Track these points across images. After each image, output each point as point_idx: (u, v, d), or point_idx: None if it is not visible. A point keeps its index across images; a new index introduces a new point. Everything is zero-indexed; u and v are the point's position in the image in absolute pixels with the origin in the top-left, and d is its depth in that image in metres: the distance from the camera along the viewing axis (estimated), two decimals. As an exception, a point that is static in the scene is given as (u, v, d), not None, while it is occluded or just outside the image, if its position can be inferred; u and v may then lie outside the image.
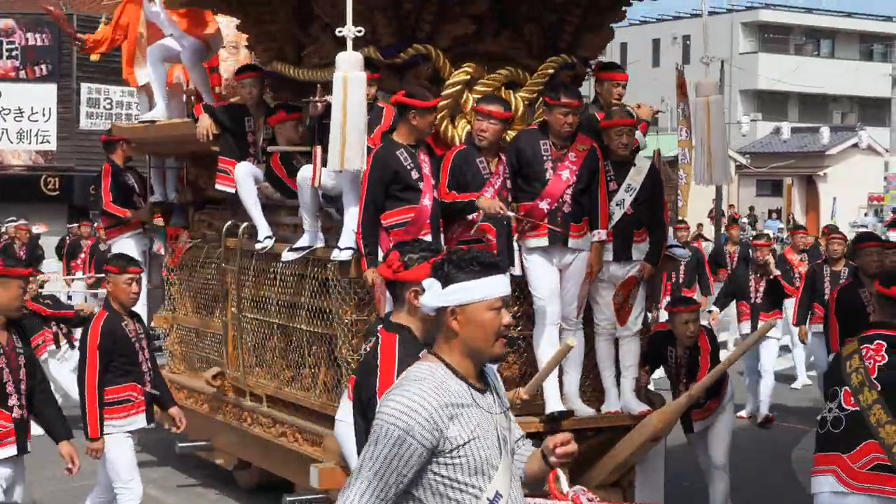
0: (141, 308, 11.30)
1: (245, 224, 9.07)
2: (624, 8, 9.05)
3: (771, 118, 57.42)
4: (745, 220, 40.70)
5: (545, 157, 7.76)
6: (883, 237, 36.90)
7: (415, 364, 3.97)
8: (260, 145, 9.26)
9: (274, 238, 8.80)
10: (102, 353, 7.55)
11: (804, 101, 61.16)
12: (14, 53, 28.28)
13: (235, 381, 9.38)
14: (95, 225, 18.15)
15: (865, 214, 44.65)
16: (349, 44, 7.04)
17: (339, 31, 7.05)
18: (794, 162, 51.22)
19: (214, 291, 9.95)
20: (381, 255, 7.31)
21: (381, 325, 5.10)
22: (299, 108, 9.06)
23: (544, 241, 7.73)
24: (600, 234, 7.89)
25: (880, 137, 52.46)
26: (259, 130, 9.28)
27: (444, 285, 3.91)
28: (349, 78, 6.97)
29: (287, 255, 8.34)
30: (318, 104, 7.90)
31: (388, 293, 6.84)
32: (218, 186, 9.26)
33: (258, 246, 8.82)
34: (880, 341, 6.10)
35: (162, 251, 11.14)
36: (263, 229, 8.85)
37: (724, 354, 9.18)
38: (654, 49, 57.08)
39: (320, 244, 8.17)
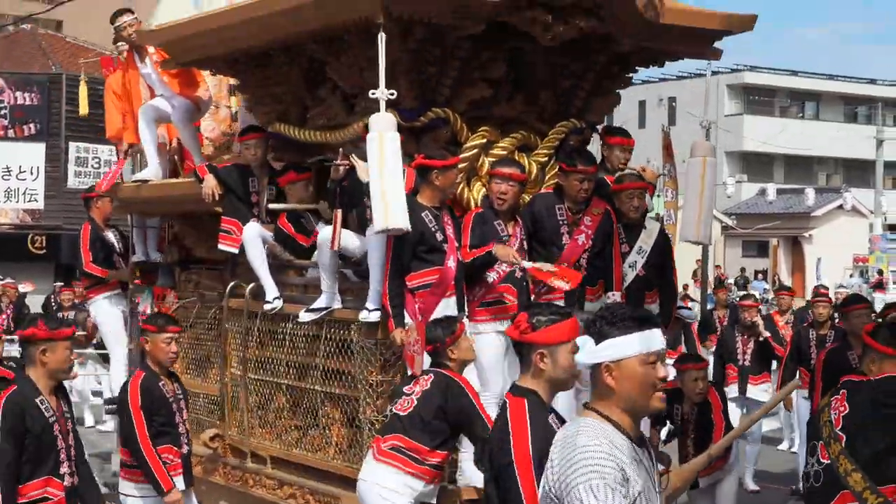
0: (122, 369, 11.35)
1: (252, 284, 9.09)
2: (630, 74, 9.22)
3: (756, 179, 57.69)
4: (731, 281, 40.75)
5: (561, 222, 7.95)
6: (869, 298, 37.03)
7: (577, 422, 3.99)
8: (264, 206, 9.30)
9: (282, 299, 8.83)
10: (144, 412, 7.52)
11: (789, 162, 61.48)
12: (3, 112, 28.31)
13: (235, 442, 9.35)
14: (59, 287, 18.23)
15: (851, 276, 44.77)
16: (382, 105, 7.17)
17: (373, 94, 7.19)
18: (779, 223, 51.48)
19: (207, 351, 9.94)
20: (406, 316, 7.42)
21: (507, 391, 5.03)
22: (308, 167, 9.17)
23: (560, 304, 7.79)
24: (615, 296, 8.05)
25: (865, 199, 52.70)
26: (263, 191, 9.32)
27: (598, 341, 3.95)
28: (385, 138, 7.09)
29: (304, 316, 8.36)
30: (340, 167, 8.01)
31: (421, 356, 7.06)
32: (221, 247, 9.24)
33: (267, 307, 8.84)
34: (844, 390, 6.20)
35: (148, 311, 11.11)
36: (271, 290, 8.87)
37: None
38: (641, 110, 57.43)
39: (337, 305, 8.22)
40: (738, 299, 17.46)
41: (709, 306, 24.54)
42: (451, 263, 7.50)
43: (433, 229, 7.56)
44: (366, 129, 7.47)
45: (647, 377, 3.92)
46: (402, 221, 7.10)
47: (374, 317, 7.68)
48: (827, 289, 17.92)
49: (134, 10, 11.06)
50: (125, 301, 11.48)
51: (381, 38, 7.20)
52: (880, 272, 43.38)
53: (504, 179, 7.76)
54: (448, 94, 8.14)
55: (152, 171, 10.72)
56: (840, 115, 63.52)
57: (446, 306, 7.44)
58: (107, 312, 11.57)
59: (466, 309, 7.62)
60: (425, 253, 7.53)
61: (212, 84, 10.92)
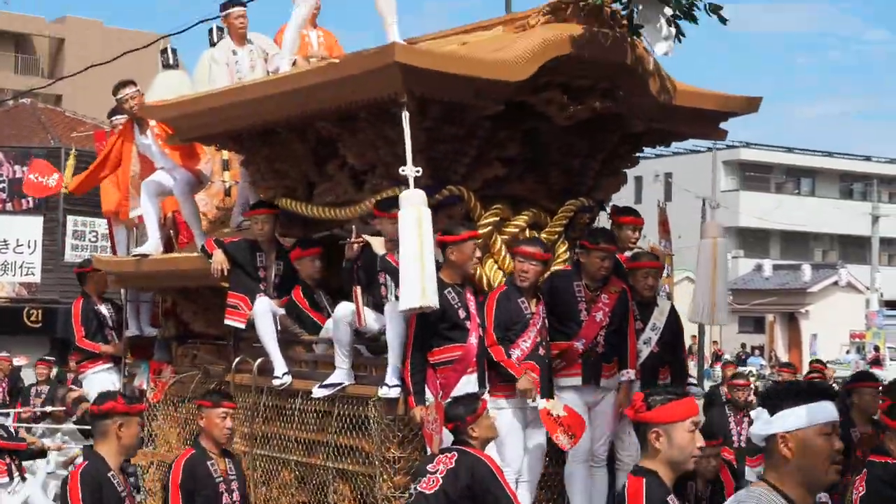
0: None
1: (259, 359, 9.05)
2: (637, 154, 9.31)
3: (753, 255, 57.78)
4: (728, 357, 40.65)
5: (579, 299, 8.10)
6: (867, 375, 36.69)
7: (748, 491, 3.99)
8: (272, 280, 9.28)
9: (291, 374, 8.80)
10: (184, 493, 7.41)
11: (786, 238, 61.59)
12: (1, 186, 28.35)
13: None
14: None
15: (847, 352, 44.71)
16: (411, 182, 7.24)
17: (403, 170, 7.28)
18: (776, 299, 51.48)
19: (204, 427, 9.85)
20: (427, 392, 7.48)
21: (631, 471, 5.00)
22: (316, 242, 9.16)
23: (577, 381, 8.03)
24: (629, 373, 8.18)
25: (861, 275, 52.79)
26: (270, 266, 9.32)
27: (773, 412, 3.93)
28: (422, 214, 7.16)
29: (318, 392, 8.34)
30: (354, 245, 8.01)
31: (440, 434, 7.06)
32: (227, 321, 9.24)
33: (276, 382, 8.81)
34: (865, 469, 6.18)
35: (144, 386, 11.02)
36: (280, 365, 8.85)
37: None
38: (637, 186, 57.59)
39: (351, 381, 8.20)
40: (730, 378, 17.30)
41: (709, 382, 24.37)
42: (472, 340, 7.58)
43: (456, 306, 7.64)
44: (377, 206, 7.45)
45: (823, 448, 3.90)
46: (434, 300, 7.17)
47: (394, 393, 7.68)
48: (822, 363, 17.77)
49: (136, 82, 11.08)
50: (118, 376, 11.38)
51: (405, 116, 7.30)
52: (877, 348, 43.31)
53: (527, 258, 7.86)
54: (464, 172, 8.22)
55: (153, 245, 10.70)
56: (836, 192, 63.76)
57: (467, 382, 7.51)
58: (99, 387, 11.42)
59: (488, 385, 7.66)
60: (447, 330, 7.60)
61: (205, 158, 10.94)
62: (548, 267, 8.16)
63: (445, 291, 7.57)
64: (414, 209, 7.17)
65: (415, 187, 7.34)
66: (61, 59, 54.06)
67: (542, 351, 7.82)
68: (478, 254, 7.77)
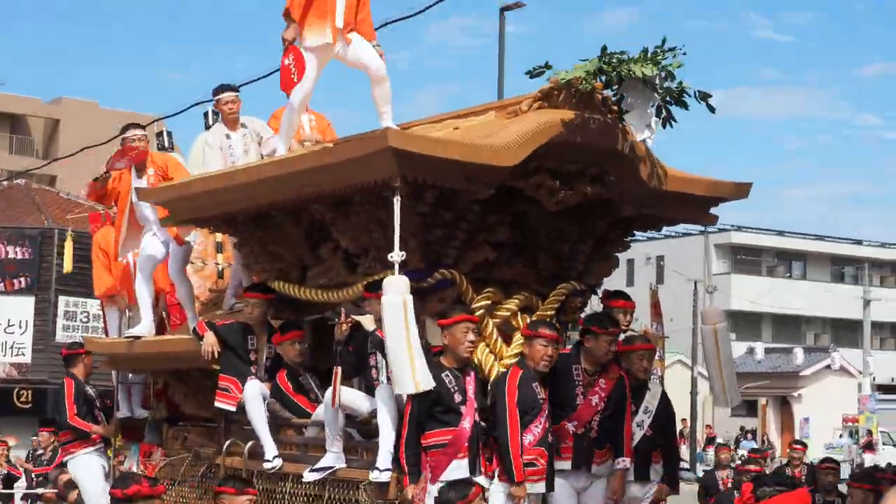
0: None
1: (250, 443, 9.02)
2: (628, 238, 9.36)
3: (745, 338, 57.74)
4: (720, 440, 40.49)
5: (577, 382, 8.13)
6: (858, 459, 36.60)
7: None
8: (263, 363, 9.28)
9: (281, 458, 8.76)
10: None
11: (777, 321, 61.60)
12: (-8, 267, 28.36)
13: None
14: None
15: (840, 436, 44.56)
16: (396, 268, 7.31)
17: (391, 256, 7.34)
18: (768, 382, 51.37)
19: (194, 510, 9.79)
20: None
21: None
22: (297, 326, 9.17)
23: (567, 465, 8.02)
24: (625, 461, 8.19)
25: (853, 359, 52.74)
26: (262, 349, 9.32)
27: None
28: (407, 301, 7.22)
29: (309, 476, 8.30)
30: (343, 326, 8.03)
31: None
32: (217, 404, 9.22)
33: (266, 465, 8.78)
34: None
35: (134, 469, 10.95)
36: (270, 449, 8.82)
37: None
38: (629, 269, 57.69)
39: (342, 465, 8.18)
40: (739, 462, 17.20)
41: (703, 467, 24.23)
42: (465, 425, 7.56)
43: (452, 390, 7.62)
44: (367, 288, 7.51)
45: None
46: (429, 382, 7.23)
47: (386, 476, 7.65)
48: (803, 444, 17.76)
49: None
50: (104, 459, 11.32)
51: (397, 201, 7.37)
52: (870, 432, 43.14)
53: (550, 342, 7.91)
54: (455, 255, 8.25)
55: (146, 327, 10.69)
56: (827, 275, 63.89)
57: (458, 467, 7.48)
58: (87, 470, 11.40)
59: (481, 471, 7.63)
60: (441, 413, 7.57)
61: (198, 241, 10.97)
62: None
63: (443, 375, 7.58)
64: (398, 296, 7.22)
65: (407, 270, 7.37)
66: (56, 139, 54.29)
67: (550, 438, 7.85)
68: (470, 336, 7.76)
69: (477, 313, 8.13)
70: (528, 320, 8.24)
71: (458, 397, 7.61)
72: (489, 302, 8.26)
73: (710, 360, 9.18)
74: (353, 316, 8.02)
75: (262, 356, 9.29)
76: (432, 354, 7.71)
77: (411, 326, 7.20)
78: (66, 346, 13.03)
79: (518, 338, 8.18)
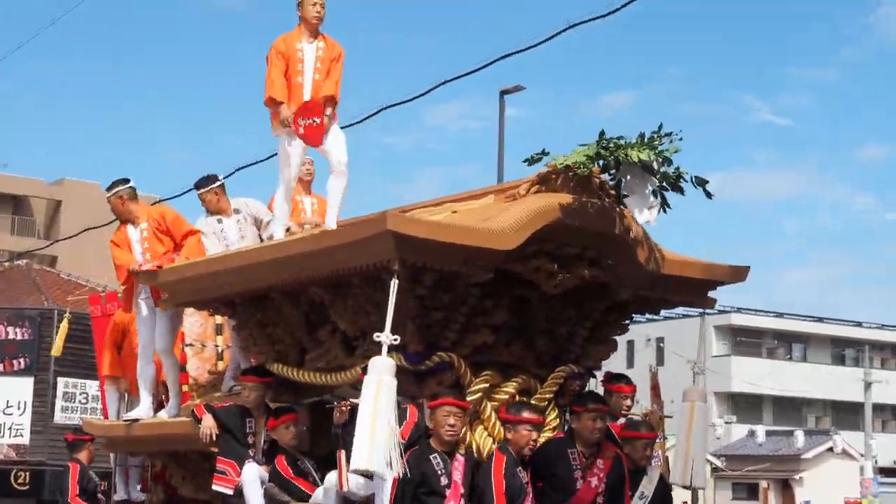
0: None
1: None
2: (626, 321, 9.36)
3: (745, 420, 57.49)
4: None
5: (574, 466, 8.02)
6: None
7: None
8: (261, 447, 9.27)
9: None
10: None
11: (778, 403, 61.36)
12: (-8, 346, 28.33)
13: None
14: None
15: (843, 520, 44.25)
16: (384, 350, 7.28)
17: (377, 337, 7.30)
18: (769, 465, 51.05)
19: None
20: None
21: None
22: (290, 409, 9.17)
23: None
24: None
25: (855, 442, 52.46)
26: (260, 432, 9.31)
27: None
28: (383, 382, 7.19)
29: None
30: (344, 408, 8.04)
31: None
32: (215, 487, 9.20)
33: None
34: None
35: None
36: None
37: None
38: (629, 350, 57.62)
39: None
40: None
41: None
42: None
43: (439, 473, 7.59)
44: (364, 371, 7.51)
45: None
46: (381, 466, 7.11)
47: None
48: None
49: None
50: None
51: (394, 284, 7.37)
52: (873, 516, 42.85)
53: (536, 427, 7.90)
54: (453, 338, 8.27)
55: (144, 409, 10.70)
56: (828, 357, 63.76)
57: None
58: None
59: None
60: (425, 495, 7.54)
61: (198, 323, 11.00)
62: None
63: (431, 457, 7.57)
64: (377, 376, 7.21)
65: (405, 353, 7.37)
66: (58, 220, 54.47)
67: None
68: (451, 421, 7.74)
69: (475, 396, 8.14)
70: (508, 404, 8.22)
71: (443, 480, 7.58)
72: (487, 385, 8.26)
73: (680, 434, 9.17)
74: (351, 399, 8.02)
75: (260, 439, 9.28)
76: (426, 437, 7.71)
77: (381, 407, 7.14)
78: (71, 430, 13.08)
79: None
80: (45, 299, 29.21)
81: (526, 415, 7.90)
